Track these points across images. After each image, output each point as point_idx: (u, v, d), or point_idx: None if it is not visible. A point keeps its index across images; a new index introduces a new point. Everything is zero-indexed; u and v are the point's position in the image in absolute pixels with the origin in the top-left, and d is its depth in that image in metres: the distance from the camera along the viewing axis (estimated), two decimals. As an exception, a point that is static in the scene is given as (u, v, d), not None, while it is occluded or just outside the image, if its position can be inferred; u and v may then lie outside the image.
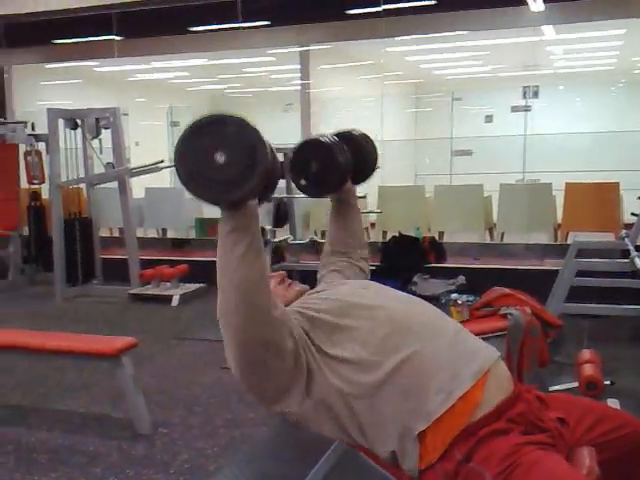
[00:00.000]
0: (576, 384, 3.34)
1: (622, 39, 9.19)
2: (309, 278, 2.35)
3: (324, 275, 2.10)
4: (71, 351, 3.27)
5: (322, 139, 2.02)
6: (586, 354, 3.54)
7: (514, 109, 8.49)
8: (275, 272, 1.99)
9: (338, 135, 2.08)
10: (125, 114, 7.38)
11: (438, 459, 1.51)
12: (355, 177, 2.13)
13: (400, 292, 1.86)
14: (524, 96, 8.48)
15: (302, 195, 6.43)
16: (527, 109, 8.47)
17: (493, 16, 7.27)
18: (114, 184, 6.30)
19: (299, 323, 1.64)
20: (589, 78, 10.99)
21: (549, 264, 5.90)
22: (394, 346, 1.59)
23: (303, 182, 2.04)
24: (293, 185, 6.81)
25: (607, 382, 3.40)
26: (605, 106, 10.72)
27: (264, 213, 5.83)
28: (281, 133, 9.02)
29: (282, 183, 6.39)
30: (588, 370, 3.36)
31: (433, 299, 5.19)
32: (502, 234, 7.31)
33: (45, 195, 6.92)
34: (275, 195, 6.11)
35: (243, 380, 1.60)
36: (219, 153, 1.36)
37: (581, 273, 4.41)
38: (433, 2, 7.34)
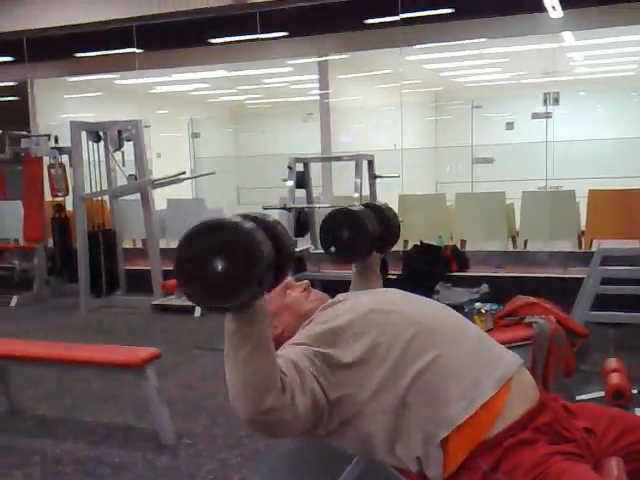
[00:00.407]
0: (603, 393, 3.30)
1: (643, 44, 9.12)
2: (330, 287, 2.37)
3: None
4: (96, 362, 3.31)
5: (352, 208, 2.14)
6: (612, 363, 3.49)
7: (535, 116, 8.43)
8: (298, 281, 1.99)
9: (365, 206, 2.21)
10: (147, 126, 7.45)
11: (464, 470, 1.50)
12: (379, 247, 2.19)
13: (421, 297, 1.86)
14: (545, 103, 8.42)
15: (323, 205, 6.45)
16: (548, 116, 8.41)
17: (512, 23, 7.25)
18: (137, 196, 6.36)
19: (317, 349, 1.61)
20: (610, 84, 10.90)
21: (573, 272, 5.84)
22: (418, 350, 1.59)
23: (332, 249, 2.11)
24: (314, 194, 6.77)
25: (634, 391, 3.35)
26: (627, 112, 10.62)
27: (286, 223, 5.84)
28: (301, 143, 9.11)
29: (302, 193, 6.42)
30: (615, 379, 3.32)
31: (456, 308, 5.15)
32: (525, 242, 7.26)
33: (69, 207, 7.00)
34: (296, 205, 6.14)
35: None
36: (217, 260, 1.35)
37: (606, 281, 4.37)
38: (451, 10, 7.33)
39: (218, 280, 1.35)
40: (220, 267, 1.34)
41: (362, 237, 2.08)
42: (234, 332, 1.44)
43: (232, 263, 1.34)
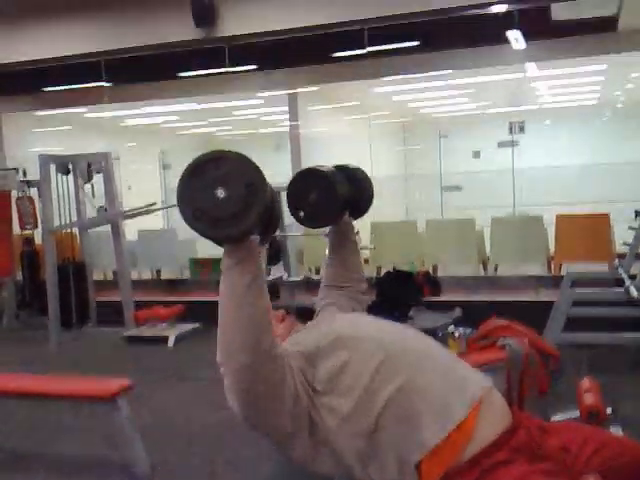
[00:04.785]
0: (578, 413, 3.32)
1: (603, 75, 9.36)
2: (304, 315, 2.35)
3: (320, 310, 2.09)
4: (67, 394, 3.26)
5: (320, 169, 1.99)
6: (586, 383, 3.51)
7: (501, 144, 8.59)
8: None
9: (335, 168, 2.07)
10: (117, 158, 7.42)
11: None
12: (352, 211, 2.12)
13: (391, 322, 1.85)
14: (510, 131, 8.59)
15: (295, 233, 6.38)
16: (514, 144, 8.57)
17: (477, 55, 7.40)
18: (107, 227, 6.31)
19: (296, 364, 1.62)
20: (574, 112, 11.16)
21: (544, 295, 5.92)
22: (387, 375, 1.59)
23: (301, 214, 1.98)
24: (286, 223, 6.75)
25: (609, 410, 3.38)
26: (590, 139, 10.87)
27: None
28: (273, 172, 9.15)
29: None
30: (589, 399, 3.34)
31: (430, 332, 5.16)
32: (496, 266, 7.33)
33: (38, 240, 6.91)
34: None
35: (247, 423, 1.59)
36: (219, 189, 1.39)
37: (577, 303, 4.43)
38: (416, 43, 7.46)
39: (221, 208, 1.39)
40: (223, 195, 1.39)
41: (331, 200, 1.94)
42: (234, 264, 1.45)
43: (235, 190, 1.39)
